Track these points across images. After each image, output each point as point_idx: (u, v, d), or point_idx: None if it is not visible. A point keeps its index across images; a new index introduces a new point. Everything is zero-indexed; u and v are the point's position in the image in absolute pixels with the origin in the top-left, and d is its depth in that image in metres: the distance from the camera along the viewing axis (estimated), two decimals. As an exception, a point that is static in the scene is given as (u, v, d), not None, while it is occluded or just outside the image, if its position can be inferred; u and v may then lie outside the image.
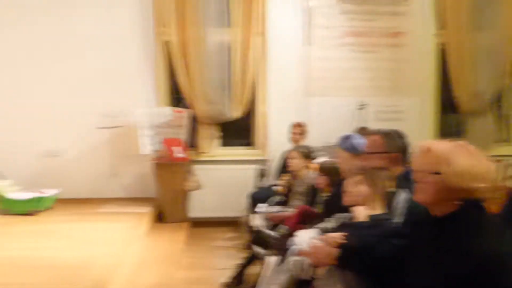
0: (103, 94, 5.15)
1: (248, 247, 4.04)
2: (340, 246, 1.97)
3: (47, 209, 4.71)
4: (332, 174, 3.14)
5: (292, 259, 2.33)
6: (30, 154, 5.19)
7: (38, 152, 5.19)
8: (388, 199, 2.24)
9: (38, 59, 5.14)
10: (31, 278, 2.93)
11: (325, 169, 3.22)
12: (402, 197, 2.24)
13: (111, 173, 5.20)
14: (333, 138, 3.39)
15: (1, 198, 4.52)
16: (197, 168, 5.11)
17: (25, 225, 4.18)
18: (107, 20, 5.14)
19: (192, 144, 5.35)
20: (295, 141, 4.67)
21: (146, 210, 4.77)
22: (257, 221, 3.61)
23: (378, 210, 2.21)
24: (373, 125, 4.79)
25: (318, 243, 2.12)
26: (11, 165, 5.08)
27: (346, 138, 3.05)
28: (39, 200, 4.53)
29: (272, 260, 2.70)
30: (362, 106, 5.28)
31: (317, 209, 3.18)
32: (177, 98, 5.40)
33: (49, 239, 3.75)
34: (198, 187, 4.87)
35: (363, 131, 4.12)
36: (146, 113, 4.85)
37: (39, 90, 5.16)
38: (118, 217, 4.48)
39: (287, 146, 4.57)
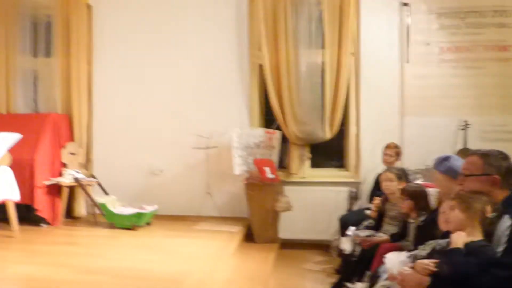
0: (200, 116, 5.44)
1: (338, 272, 3.92)
2: (432, 274, 1.82)
3: (147, 224, 5.03)
4: (418, 198, 2.95)
5: (380, 285, 2.21)
6: (132, 173, 5.60)
7: (140, 170, 5.59)
8: (489, 226, 2.03)
9: (142, 83, 5.60)
10: (131, 287, 3.12)
11: (409, 193, 3.04)
12: (505, 223, 2.01)
13: (206, 192, 5.40)
14: (431, 160, 3.19)
15: (108, 212, 4.92)
16: (287, 189, 5.11)
17: (127, 239, 4.48)
18: (205, 45, 5.45)
19: (283, 165, 5.38)
20: (389, 163, 4.47)
21: (237, 229, 4.87)
22: (346, 245, 3.49)
23: (477, 236, 2.01)
24: (478, 147, 4.41)
25: (408, 270, 1.98)
26: (116, 182, 5.54)
27: (443, 159, 2.85)
28: (140, 215, 4.85)
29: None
30: (465, 126, 4.91)
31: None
32: (269, 119, 5.49)
33: (148, 253, 3.98)
34: (288, 208, 4.85)
35: (464, 153, 3.81)
36: (239, 134, 5.00)
37: (143, 112, 5.60)
38: (211, 235, 4.63)
39: (380, 168, 4.39)
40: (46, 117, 5.30)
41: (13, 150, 4.83)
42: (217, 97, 5.43)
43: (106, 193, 5.30)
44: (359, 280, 2.97)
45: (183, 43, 5.51)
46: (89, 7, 5.66)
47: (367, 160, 5.06)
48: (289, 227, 5.10)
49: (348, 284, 3.11)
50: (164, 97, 5.55)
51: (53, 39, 5.73)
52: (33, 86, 5.86)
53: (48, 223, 5.08)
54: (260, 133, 5.15)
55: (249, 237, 4.95)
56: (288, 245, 5.03)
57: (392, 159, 4.51)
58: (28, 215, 5.00)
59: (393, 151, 4.56)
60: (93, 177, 5.43)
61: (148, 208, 4.99)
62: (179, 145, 5.48)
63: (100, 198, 5.08)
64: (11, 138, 2.30)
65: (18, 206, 4.85)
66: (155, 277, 3.33)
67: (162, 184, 5.55)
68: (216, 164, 5.41)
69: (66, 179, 5.14)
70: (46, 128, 5.20)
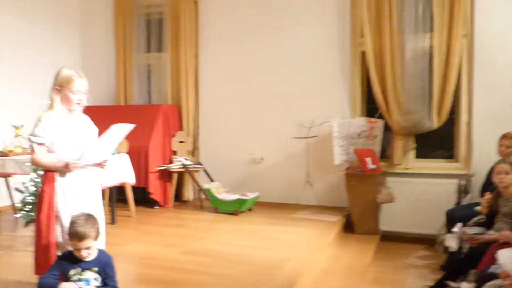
0: (301, 105, 5.47)
1: (443, 268, 3.71)
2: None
3: (248, 210, 5.22)
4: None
5: (490, 284, 2.06)
6: (235, 160, 5.83)
7: (243, 158, 5.80)
8: None
9: (245, 74, 5.78)
10: (232, 270, 3.29)
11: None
12: None
13: (305, 181, 5.43)
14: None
15: (212, 198, 5.20)
16: (390, 180, 4.93)
17: (229, 223, 4.70)
18: (307, 34, 5.45)
19: (385, 155, 5.20)
20: (505, 154, 4.08)
21: (336, 219, 4.84)
22: (452, 243, 3.28)
23: None
24: None
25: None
26: (220, 169, 5.82)
27: None
28: (242, 202, 5.04)
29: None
30: None
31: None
32: (371, 108, 5.33)
33: (248, 238, 4.14)
34: (390, 200, 4.69)
35: None
36: (340, 123, 4.93)
37: (246, 102, 5.78)
38: (310, 224, 4.66)
39: (494, 159, 4.03)
40: (158, 108, 5.73)
41: (131, 138, 5.29)
42: (318, 86, 5.41)
43: (211, 179, 5.60)
44: (465, 280, 2.79)
45: (285, 34, 5.56)
46: (196, 2, 5.96)
47: (480, 151, 4.68)
48: (391, 219, 4.93)
49: (452, 284, 2.94)
50: (266, 87, 5.67)
51: (164, 35, 6.15)
52: (147, 79, 6.36)
53: (160, 205, 5.54)
54: (361, 122, 5.03)
55: (348, 227, 4.89)
56: (389, 237, 4.87)
57: (509, 151, 4.11)
58: (143, 197, 5.49)
59: (510, 141, 4.15)
60: (200, 164, 5.77)
61: (250, 195, 5.17)
62: (280, 134, 5.58)
63: (205, 184, 5.38)
64: (127, 128, 2.51)
65: (136, 189, 5.36)
66: (255, 262, 3.47)
67: (263, 172, 5.70)
68: (316, 153, 5.41)
69: (176, 166, 5.53)
70: (158, 118, 5.62)
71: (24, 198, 3.54)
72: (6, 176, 4.79)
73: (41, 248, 2.44)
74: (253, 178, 5.74)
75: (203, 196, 5.48)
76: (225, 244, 3.95)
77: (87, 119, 2.66)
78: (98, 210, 2.60)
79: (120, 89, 6.31)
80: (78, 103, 2.52)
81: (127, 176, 4.73)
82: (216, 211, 5.18)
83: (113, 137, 2.52)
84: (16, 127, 4.92)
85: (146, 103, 6.34)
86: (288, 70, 5.55)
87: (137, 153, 5.38)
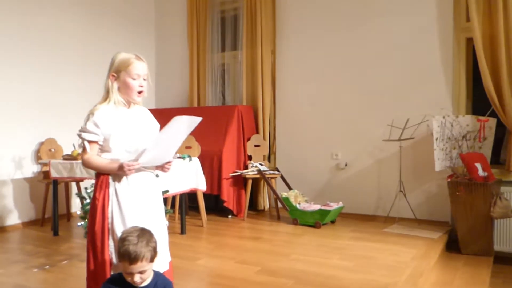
0: (393, 103, 4.78)
1: None
2: None
3: (331, 222, 4.62)
4: None
5: None
6: (316, 166, 5.25)
7: (325, 164, 5.21)
8: None
9: (326, 71, 5.19)
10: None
11: None
12: None
13: (398, 190, 4.72)
14: None
15: (291, 207, 4.66)
16: (506, 190, 4.08)
17: (310, 237, 4.13)
18: (399, 23, 4.76)
19: (500, 160, 4.35)
20: None
21: (438, 236, 4.08)
22: None
23: None
24: None
25: None
26: (299, 175, 5.27)
27: None
28: (323, 213, 4.46)
29: None
30: None
31: None
32: (479, 104, 4.50)
33: (334, 256, 3.54)
34: (508, 215, 3.86)
35: None
36: (441, 123, 4.18)
37: (327, 102, 5.20)
38: (406, 241, 3.96)
39: None
40: (232, 109, 5.32)
41: (203, 142, 4.96)
42: (414, 81, 4.69)
43: (290, 187, 5.07)
44: None
45: (373, 24, 4.91)
46: (273, -5, 5.52)
47: None
48: (508, 237, 4.07)
49: None
50: (351, 84, 5.04)
51: (239, 32, 5.76)
52: (221, 80, 6.00)
53: (234, 215, 5.10)
54: (468, 121, 4.23)
55: (452, 246, 4.11)
56: (506, 260, 4.02)
57: None
58: (216, 205, 5.09)
59: None
60: (277, 170, 5.26)
61: (333, 205, 4.57)
62: (368, 136, 4.92)
63: (283, 192, 4.86)
64: (192, 121, 2.04)
65: (208, 196, 4.97)
66: (339, 285, 2.88)
67: (348, 179, 5.07)
68: (411, 158, 4.68)
69: (251, 171, 5.07)
70: (232, 120, 5.22)
71: (84, 205, 3.24)
72: (77, 181, 4.62)
73: (94, 267, 2.05)
74: (336, 186, 5.12)
75: (280, 205, 4.96)
76: (307, 262, 3.39)
77: (148, 113, 2.24)
78: (159, 222, 2.16)
79: (193, 91, 6.02)
80: (139, 91, 2.10)
81: (198, 183, 4.34)
82: (294, 222, 4.63)
83: (176, 133, 2.07)
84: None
85: (220, 104, 5.98)
86: (377, 64, 4.88)
87: (210, 158, 5.01)
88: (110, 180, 2.05)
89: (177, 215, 4.73)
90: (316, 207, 4.57)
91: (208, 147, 5.04)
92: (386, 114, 4.77)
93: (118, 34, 5.90)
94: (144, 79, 2.13)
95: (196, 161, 4.36)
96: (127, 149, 2.05)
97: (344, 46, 5.07)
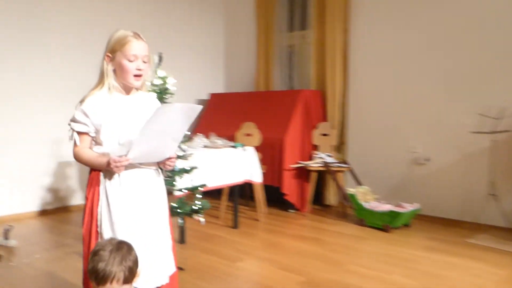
0: (484, 88, 3.99)
1: None
2: None
3: (404, 225, 4.01)
4: None
5: None
6: (391, 160, 4.63)
7: (401, 158, 4.56)
8: None
9: (406, 50, 4.50)
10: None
11: None
12: None
13: (488, 192, 3.96)
14: None
15: (357, 206, 4.13)
16: None
17: (377, 244, 3.59)
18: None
19: None
20: None
21: (538, 253, 3.31)
22: None
23: None
24: None
25: None
26: (371, 170, 4.70)
27: None
28: (396, 215, 3.86)
29: None
30: None
31: None
32: None
33: (402, 271, 2.98)
34: None
35: None
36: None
37: (406, 87, 4.52)
38: (492, 257, 3.26)
39: None
40: (297, 94, 4.87)
41: (264, 129, 4.59)
42: (509, 61, 3.85)
43: (359, 183, 4.52)
44: None
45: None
46: (347, -33, 4.90)
47: None
48: None
49: None
50: (434, 66, 4.31)
51: (309, 9, 5.24)
52: (288, 62, 5.55)
53: (296, 209, 4.69)
54: None
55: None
56: None
57: None
58: (279, 197, 4.70)
59: None
60: (345, 162, 4.72)
61: (408, 207, 3.96)
62: (454, 127, 4.18)
63: (350, 188, 4.33)
64: (189, 110, 1.66)
65: (270, 187, 4.61)
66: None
67: (427, 177, 4.38)
68: (506, 154, 3.88)
69: (315, 163, 4.60)
70: (297, 106, 4.77)
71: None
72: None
73: (83, 272, 1.80)
74: (413, 183, 4.46)
75: (347, 202, 4.44)
76: (363, 276, 2.88)
77: (151, 101, 1.91)
78: (159, 228, 1.84)
79: (260, 74, 5.65)
80: (136, 74, 1.78)
81: (252, 174, 3.99)
82: (361, 223, 4.10)
83: (168, 123, 1.71)
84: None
85: (287, 88, 5.55)
86: (466, 42, 4.10)
87: (271, 147, 4.62)
88: (101, 177, 1.76)
89: (227, 206, 4.43)
90: (387, 207, 3.99)
91: (269, 134, 4.65)
92: (475, 101, 4.00)
93: (187, 14, 5.72)
94: (144, 61, 1.79)
95: (250, 151, 4.00)
96: (119, 141, 1.74)
97: (429, 20, 4.33)
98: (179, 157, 2.89)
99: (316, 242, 3.63)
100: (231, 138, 4.61)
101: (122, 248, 1.45)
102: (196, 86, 5.89)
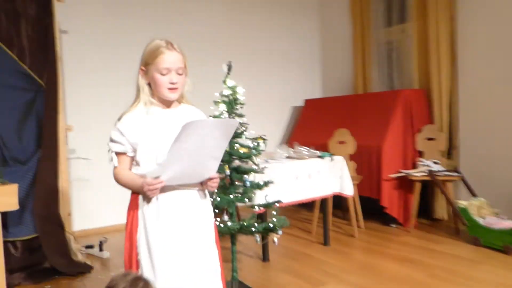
0: None
1: None
2: None
3: (531, 248, 3.31)
4: None
5: None
6: None
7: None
8: None
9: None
10: None
11: None
12: None
13: None
14: None
15: (470, 222, 3.52)
16: None
17: (494, 269, 2.99)
18: None
19: None
20: None
21: None
22: None
23: None
24: None
25: None
26: (489, 180, 4.01)
27: None
28: (519, 233, 3.20)
29: None
30: None
31: None
32: None
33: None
34: None
35: None
36: None
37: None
38: None
39: None
40: (397, 95, 4.37)
41: (359, 135, 4.20)
42: None
43: (473, 194, 3.87)
44: None
45: None
46: None
47: None
48: None
49: None
50: None
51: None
52: (387, 60, 5.05)
53: (399, 224, 4.19)
54: None
55: None
56: None
57: None
58: (378, 210, 4.25)
59: None
60: (456, 171, 4.08)
61: (534, 224, 3.26)
62: None
63: (462, 200, 3.73)
64: (227, 124, 1.45)
65: (369, 199, 4.20)
66: None
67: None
68: None
69: (419, 172, 4.06)
70: (397, 108, 4.28)
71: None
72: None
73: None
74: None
75: (458, 217, 3.82)
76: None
77: (195, 114, 1.73)
78: (202, 256, 1.64)
79: (357, 75, 5.24)
80: (170, 88, 1.62)
81: (343, 186, 3.63)
82: (475, 242, 3.48)
83: (202, 141, 1.51)
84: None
85: (387, 89, 5.04)
86: None
87: (368, 155, 4.21)
88: (140, 200, 1.63)
89: (317, 221, 4.09)
90: (508, 224, 3.33)
91: (365, 141, 4.24)
92: None
93: (281, 16, 5.58)
94: (179, 73, 1.63)
95: (340, 161, 3.65)
96: (157, 161, 1.59)
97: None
98: (252, 171, 2.69)
99: (419, 265, 3.14)
100: (324, 146, 4.31)
101: (137, 285, 1.28)
102: (292, 93, 5.68)
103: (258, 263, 3.31)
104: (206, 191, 1.73)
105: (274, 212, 2.78)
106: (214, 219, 1.76)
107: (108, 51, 4.48)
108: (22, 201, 3.21)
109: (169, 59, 1.60)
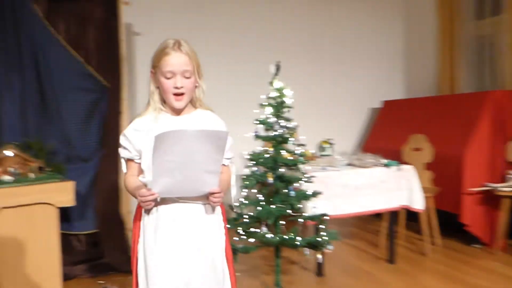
0: None
1: None
2: None
3: None
4: None
5: None
6: None
7: None
8: None
9: None
10: None
11: None
12: None
13: None
14: None
15: None
16: None
17: None
18: None
19: None
20: None
21: None
22: None
23: None
24: None
25: None
26: None
27: None
28: None
29: None
30: None
31: None
32: None
33: None
34: None
35: None
36: None
37: None
38: None
39: None
40: (484, 97, 3.84)
41: (440, 142, 3.79)
42: None
43: None
44: None
45: None
46: None
47: None
48: None
49: None
50: None
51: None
52: (478, 57, 4.46)
53: (482, 244, 3.69)
54: None
55: None
56: None
57: None
58: (459, 227, 3.77)
59: None
60: (556, 186, 3.47)
61: None
62: None
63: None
64: (214, 136, 1.29)
65: (448, 214, 3.75)
66: None
67: None
68: None
69: (509, 187, 3.52)
70: (483, 112, 3.76)
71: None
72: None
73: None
74: None
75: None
76: None
77: (210, 121, 1.59)
78: (210, 278, 1.50)
79: (443, 74, 4.73)
80: (175, 93, 1.50)
81: (412, 199, 3.25)
82: None
83: (191, 152, 1.36)
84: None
85: (476, 90, 4.47)
86: None
87: (447, 164, 3.76)
88: (142, 211, 1.54)
89: (383, 236, 3.72)
90: None
91: (445, 148, 3.80)
92: None
93: (364, 15, 5.27)
94: (186, 77, 1.49)
95: (409, 171, 3.28)
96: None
97: None
98: (297, 179, 2.49)
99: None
100: (398, 153, 3.94)
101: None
102: (368, 94, 5.30)
103: (311, 278, 3.09)
104: (218, 206, 1.58)
105: (323, 226, 2.55)
106: (226, 236, 1.60)
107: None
108: (84, 197, 3.36)
109: (173, 61, 1.47)
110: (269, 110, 2.53)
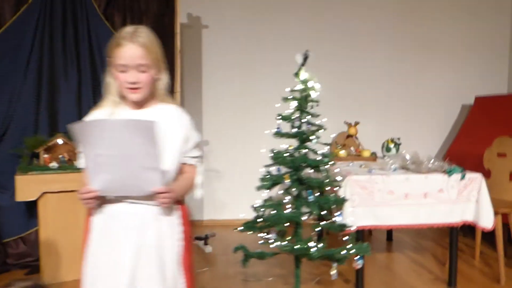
0: None
1: None
2: None
3: None
4: None
5: None
6: None
7: None
8: None
9: None
10: None
11: None
12: None
13: None
14: None
15: None
16: None
17: None
18: None
19: None
20: None
21: None
22: None
23: None
24: None
25: None
26: None
27: None
28: None
29: None
30: None
31: None
32: None
33: None
34: None
35: None
36: None
37: None
38: None
39: None
40: None
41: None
42: None
43: None
44: None
45: None
46: None
47: None
48: None
49: None
50: None
51: None
52: None
53: None
54: None
55: None
56: None
57: None
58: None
59: None
60: None
61: None
62: None
63: None
64: (140, 126, 1.16)
65: None
66: None
67: None
68: None
69: None
70: None
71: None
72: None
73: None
74: None
75: None
76: None
77: (171, 115, 1.45)
78: (153, 283, 1.37)
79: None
80: (129, 87, 1.38)
81: (479, 214, 2.74)
82: None
83: (120, 145, 1.24)
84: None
85: None
86: None
87: None
88: (93, 212, 1.46)
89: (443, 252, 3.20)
90: None
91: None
92: None
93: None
94: (142, 71, 1.37)
95: (477, 180, 2.76)
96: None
97: None
98: (319, 183, 2.22)
99: None
100: (481, 158, 3.39)
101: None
102: (463, 89, 4.63)
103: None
104: (175, 207, 1.44)
105: (347, 237, 2.26)
106: (185, 241, 1.46)
107: (249, 46, 4.45)
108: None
109: (126, 54, 1.34)
110: (294, 104, 2.30)
